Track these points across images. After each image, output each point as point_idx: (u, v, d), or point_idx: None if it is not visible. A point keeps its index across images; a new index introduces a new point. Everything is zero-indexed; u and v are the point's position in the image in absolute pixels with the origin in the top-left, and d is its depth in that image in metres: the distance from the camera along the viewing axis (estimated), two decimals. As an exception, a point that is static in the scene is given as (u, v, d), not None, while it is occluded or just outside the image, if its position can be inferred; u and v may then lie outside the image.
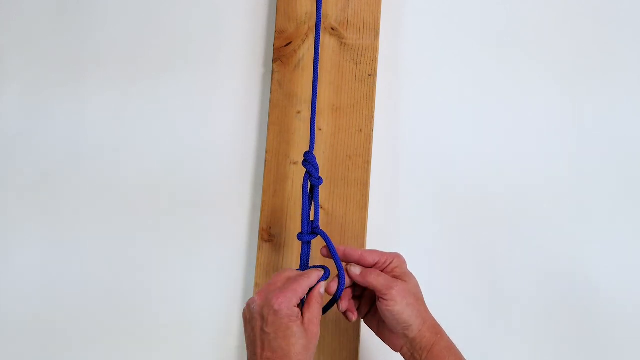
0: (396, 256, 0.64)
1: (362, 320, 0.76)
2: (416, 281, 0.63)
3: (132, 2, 0.92)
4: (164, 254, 0.86)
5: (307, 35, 0.82)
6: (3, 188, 0.91)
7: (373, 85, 0.81)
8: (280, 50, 0.83)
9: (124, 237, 0.87)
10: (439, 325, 0.62)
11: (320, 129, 0.80)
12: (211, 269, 0.84)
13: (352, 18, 0.82)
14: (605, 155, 0.81)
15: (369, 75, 0.81)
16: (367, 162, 0.79)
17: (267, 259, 0.79)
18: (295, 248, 0.79)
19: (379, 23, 0.82)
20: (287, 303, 0.57)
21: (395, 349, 0.64)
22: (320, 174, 0.79)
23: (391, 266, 0.63)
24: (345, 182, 0.79)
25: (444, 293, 0.79)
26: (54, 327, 0.86)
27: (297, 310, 0.58)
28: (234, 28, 0.89)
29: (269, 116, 0.82)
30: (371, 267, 0.63)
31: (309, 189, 0.70)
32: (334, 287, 0.62)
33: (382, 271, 0.63)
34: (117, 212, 0.88)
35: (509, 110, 0.83)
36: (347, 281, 0.63)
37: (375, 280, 0.61)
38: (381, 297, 0.60)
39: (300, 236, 0.68)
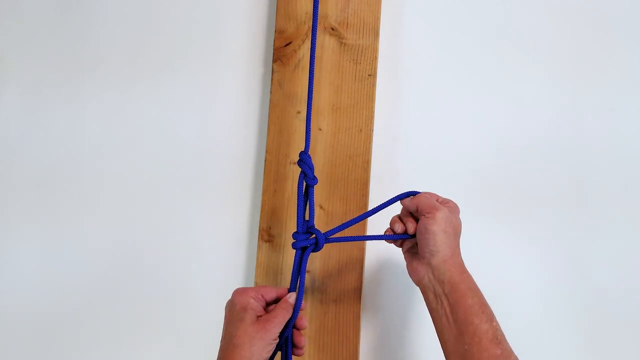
0: (454, 202, 0.65)
1: (362, 319, 0.77)
2: (460, 222, 0.64)
3: (133, 3, 0.92)
4: (164, 253, 0.86)
5: (306, 35, 0.82)
6: (3, 188, 0.91)
7: (373, 85, 0.81)
8: (280, 50, 0.83)
9: (124, 237, 0.87)
10: (465, 267, 0.61)
11: (320, 129, 0.80)
12: (211, 268, 0.84)
13: (352, 18, 0.82)
14: (605, 154, 0.81)
15: (369, 75, 0.81)
16: (367, 162, 0.79)
17: (267, 259, 0.79)
18: (295, 248, 0.79)
19: (379, 23, 0.82)
20: (241, 294, 0.62)
21: (417, 279, 0.63)
22: (320, 174, 0.79)
23: (446, 204, 0.64)
24: (345, 182, 0.79)
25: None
26: (54, 326, 0.86)
27: (253, 303, 0.62)
28: (234, 28, 0.89)
29: (268, 116, 0.82)
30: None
31: (304, 188, 0.70)
32: (293, 297, 0.64)
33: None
34: (117, 212, 0.88)
35: (509, 110, 0.83)
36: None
37: (426, 199, 0.63)
38: (424, 215, 0.62)
39: (295, 235, 0.68)
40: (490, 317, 0.57)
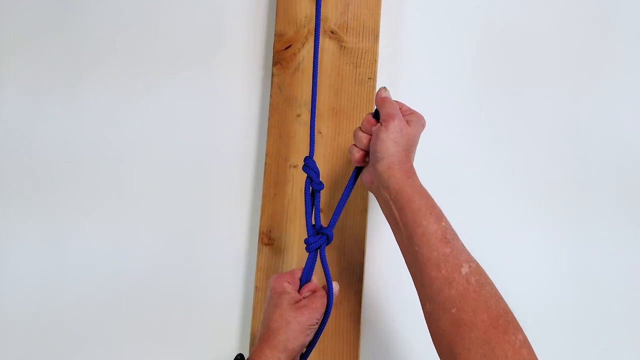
0: (420, 115, 0.65)
1: (362, 323, 0.77)
2: (417, 132, 0.64)
3: (133, 5, 0.92)
4: (163, 256, 0.86)
5: (306, 39, 0.82)
6: (3, 188, 0.91)
7: (373, 89, 0.81)
8: (280, 54, 0.83)
9: (124, 240, 0.87)
10: (412, 170, 0.62)
11: (320, 132, 0.80)
12: (211, 272, 0.84)
13: (352, 21, 0.82)
14: (604, 152, 0.81)
15: (369, 78, 0.81)
16: (367, 166, 0.79)
17: (267, 263, 0.79)
18: (295, 251, 0.79)
19: (379, 26, 0.82)
20: (277, 280, 0.65)
21: (367, 185, 0.65)
22: (320, 177, 0.79)
23: (409, 116, 0.64)
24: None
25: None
26: (54, 326, 0.86)
27: (289, 287, 0.64)
28: (233, 31, 0.89)
29: (268, 119, 0.82)
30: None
31: (310, 193, 0.69)
32: (337, 287, 0.66)
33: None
34: (117, 215, 0.88)
35: (510, 113, 0.83)
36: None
37: (388, 106, 0.64)
38: (380, 122, 0.63)
39: (307, 240, 0.67)
40: (439, 217, 0.58)
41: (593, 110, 0.83)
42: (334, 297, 0.65)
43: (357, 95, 0.81)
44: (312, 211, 0.69)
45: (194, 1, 0.91)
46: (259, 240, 0.80)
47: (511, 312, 0.52)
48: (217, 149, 0.87)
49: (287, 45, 0.83)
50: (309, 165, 0.69)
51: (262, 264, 0.79)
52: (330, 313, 0.65)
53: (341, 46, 0.82)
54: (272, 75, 0.83)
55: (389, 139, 0.61)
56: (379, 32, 0.82)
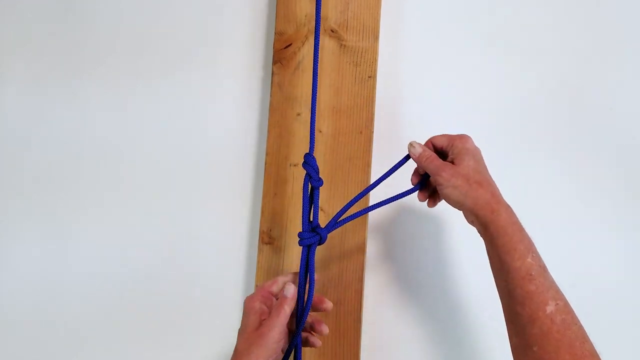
0: (458, 138, 0.65)
1: (363, 322, 0.77)
2: (470, 162, 0.63)
3: (133, 5, 0.92)
4: (164, 255, 0.86)
5: (306, 38, 0.82)
6: (4, 187, 0.91)
7: (373, 87, 0.81)
8: (280, 53, 0.83)
9: (123, 239, 0.87)
10: (497, 202, 0.60)
11: (320, 131, 0.80)
12: (211, 271, 0.84)
13: (352, 20, 0.82)
14: (603, 152, 0.81)
15: (369, 77, 0.81)
16: (368, 164, 0.79)
17: (267, 262, 0.79)
18: (295, 250, 0.78)
19: (379, 25, 0.82)
20: (249, 300, 0.62)
21: (471, 224, 0.65)
22: (320, 176, 0.79)
23: (452, 148, 0.65)
24: (346, 184, 0.79)
25: (441, 292, 0.80)
26: (54, 325, 0.86)
27: (258, 305, 0.61)
28: (233, 30, 0.89)
29: (268, 118, 0.82)
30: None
31: (309, 190, 0.69)
32: (289, 290, 0.62)
33: (446, 153, 0.65)
34: (117, 215, 0.87)
35: (510, 112, 0.83)
36: None
37: (427, 165, 0.65)
38: (434, 182, 0.64)
39: (301, 234, 0.68)
40: (523, 253, 0.57)
41: (593, 109, 0.82)
42: (327, 306, 0.63)
43: (358, 94, 0.81)
44: (310, 208, 0.69)
45: (194, 0, 0.91)
46: (259, 239, 0.80)
47: (597, 355, 0.52)
48: (217, 147, 0.87)
49: (287, 44, 0.83)
50: (309, 162, 0.69)
51: (263, 263, 0.79)
52: (304, 317, 0.63)
53: (341, 45, 0.82)
54: (272, 74, 0.83)
55: (451, 187, 0.61)
56: (379, 31, 0.81)
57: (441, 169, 0.62)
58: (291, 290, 0.62)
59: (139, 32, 0.91)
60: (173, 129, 0.88)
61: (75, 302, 0.86)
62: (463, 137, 0.65)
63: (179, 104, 0.89)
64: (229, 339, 0.82)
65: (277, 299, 0.63)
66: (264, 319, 0.61)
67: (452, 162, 0.64)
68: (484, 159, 0.65)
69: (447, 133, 0.67)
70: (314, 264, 0.66)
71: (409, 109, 0.84)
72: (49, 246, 0.88)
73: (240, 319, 0.82)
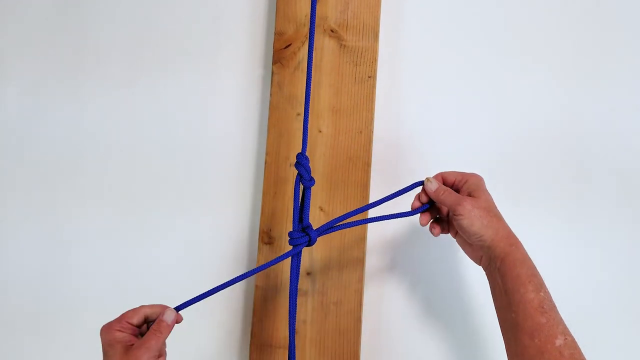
0: (472, 175, 0.67)
1: (363, 322, 0.77)
2: (488, 197, 0.65)
3: (132, 4, 0.92)
4: (164, 255, 0.86)
5: (306, 37, 0.82)
6: (4, 187, 0.91)
7: (373, 87, 0.81)
8: (280, 52, 0.83)
9: (123, 238, 0.87)
10: (514, 237, 0.63)
11: (320, 131, 0.80)
12: (211, 271, 0.84)
13: (352, 20, 0.82)
14: (603, 151, 0.81)
15: (369, 77, 0.81)
16: (367, 164, 0.79)
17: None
18: (295, 250, 0.78)
19: (379, 25, 0.82)
20: (105, 332, 0.58)
21: (477, 262, 0.66)
22: (320, 176, 0.79)
23: (467, 184, 0.66)
24: (345, 184, 0.79)
25: (442, 291, 0.80)
26: (54, 324, 0.86)
27: (119, 336, 0.58)
28: (233, 30, 0.89)
29: (268, 118, 0.82)
30: (450, 186, 0.68)
31: (301, 190, 0.70)
32: (169, 316, 0.60)
33: (459, 189, 0.67)
34: (117, 214, 0.88)
35: (510, 112, 0.83)
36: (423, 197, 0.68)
37: (446, 197, 0.65)
38: (452, 214, 0.64)
39: (291, 234, 0.68)
40: (538, 287, 0.58)
41: (593, 109, 0.82)
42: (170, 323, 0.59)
43: (357, 94, 0.81)
44: (301, 207, 0.69)
45: (194, 1, 0.91)
46: (259, 239, 0.80)
47: None
48: (217, 147, 0.87)
49: (287, 44, 0.83)
50: (301, 162, 0.69)
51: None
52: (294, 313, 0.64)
53: (341, 45, 0.82)
54: (272, 74, 0.83)
55: (472, 218, 0.62)
56: (379, 31, 0.81)
57: (463, 200, 0.63)
58: (172, 317, 0.60)
59: (139, 32, 0.91)
60: (173, 128, 0.88)
61: (75, 301, 0.86)
62: (477, 175, 0.67)
63: (179, 103, 0.89)
64: (229, 338, 0.83)
65: (139, 329, 0.60)
66: (131, 344, 0.58)
67: (470, 196, 0.65)
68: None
69: (456, 170, 0.69)
70: (299, 266, 0.67)
71: (409, 109, 0.84)
72: (49, 246, 0.88)
73: (241, 320, 0.82)
